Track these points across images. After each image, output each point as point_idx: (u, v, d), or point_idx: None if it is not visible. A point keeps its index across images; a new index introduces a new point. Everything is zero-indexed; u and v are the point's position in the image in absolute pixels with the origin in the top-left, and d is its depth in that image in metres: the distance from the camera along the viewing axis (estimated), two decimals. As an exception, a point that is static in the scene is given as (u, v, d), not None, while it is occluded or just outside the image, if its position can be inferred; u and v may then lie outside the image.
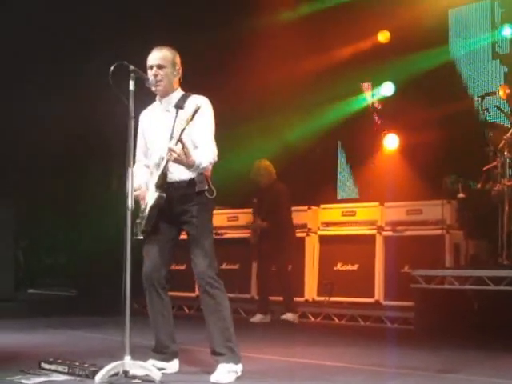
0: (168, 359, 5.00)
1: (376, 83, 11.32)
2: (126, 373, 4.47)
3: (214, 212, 10.29)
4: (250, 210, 9.71)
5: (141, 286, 4.94)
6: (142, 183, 4.90)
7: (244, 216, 10.11)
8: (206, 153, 4.78)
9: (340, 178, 11.74)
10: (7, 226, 11.91)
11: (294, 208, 9.22)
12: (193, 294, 9.28)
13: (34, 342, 6.77)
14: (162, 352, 5.00)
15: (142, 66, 4.88)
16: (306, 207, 9.63)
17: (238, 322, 8.85)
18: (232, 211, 10.35)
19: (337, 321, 9.08)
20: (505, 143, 7.83)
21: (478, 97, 8.68)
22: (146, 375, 4.51)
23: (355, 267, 9.16)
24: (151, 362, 4.87)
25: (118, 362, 4.47)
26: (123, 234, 4.57)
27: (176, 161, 4.64)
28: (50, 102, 10.86)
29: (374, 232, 9.11)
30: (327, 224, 9.60)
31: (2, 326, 7.82)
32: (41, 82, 10.95)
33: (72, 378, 4.60)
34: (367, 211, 9.36)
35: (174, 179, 4.85)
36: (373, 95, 11.43)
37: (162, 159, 4.76)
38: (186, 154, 4.62)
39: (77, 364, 4.74)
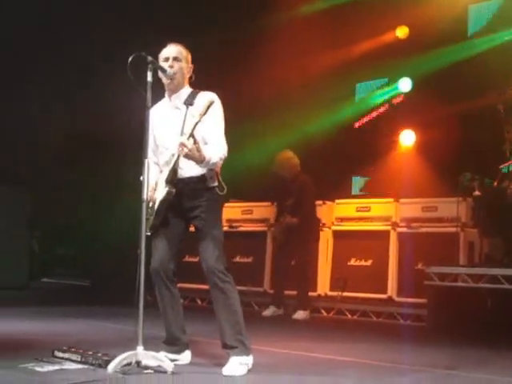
0: (179, 351, 5.02)
1: (394, 79, 11.28)
2: (138, 363, 4.48)
3: (228, 205, 10.43)
4: (265, 204, 9.69)
5: (153, 279, 4.96)
6: (153, 183, 4.89)
7: (258, 209, 10.11)
8: (216, 149, 4.80)
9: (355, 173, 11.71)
10: (22, 215, 12.00)
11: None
12: (206, 287, 9.14)
13: (48, 330, 6.80)
14: (174, 344, 5.02)
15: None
16: (320, 202, 9.61)
17: (250, 316, 8.86)
18: (246, 204, 10.35)
19: (349, 316, 9.08)
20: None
21: (496, 94, 8.63)
22: (159, 366, 4.53)
23: (369, 263, 9.14)
24: (163, 354, 4.89)
25: (131, 352, 4.49)
26: (137, 225, 4.59)
27: (187, 156, 4.66)
28: (67, 92, 10.90)
29: (389, 228, 9.09)
30: (341, 219, 9.58)
31: (16, 314, 7.89)
32: (57, 72, 10.97)
33: (85, 366, 4.62)
34: (382, 207, 9.34)
35: (184, 175, 4.86)
36: (390, 91, 11.39)
37: (173, 155, 4.78)
38: (197, 149, 4.63)
39: (90, 353, 4.76)
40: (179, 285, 5.10)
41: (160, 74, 4.88)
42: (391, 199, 9.33)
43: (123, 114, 9.17)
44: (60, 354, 4.86)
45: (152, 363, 4.54)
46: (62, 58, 10.90)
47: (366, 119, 11.55)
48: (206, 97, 4.80)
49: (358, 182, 11.69)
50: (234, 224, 10.23)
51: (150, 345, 4.61)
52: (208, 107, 4.64)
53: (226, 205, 10.03)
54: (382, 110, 11.47)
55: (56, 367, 4.60)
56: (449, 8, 10.09)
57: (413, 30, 10.93)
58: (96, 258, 12.78)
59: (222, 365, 4.73)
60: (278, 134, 10.95)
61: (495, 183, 8.22)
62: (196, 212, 4.87)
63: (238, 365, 4.68)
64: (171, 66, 4.90)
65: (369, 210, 9.42)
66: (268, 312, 8.94)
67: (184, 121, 4.83)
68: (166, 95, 5.06)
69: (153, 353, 4.58)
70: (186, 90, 5.01)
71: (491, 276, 7.47)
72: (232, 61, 11.06)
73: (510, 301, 7.32)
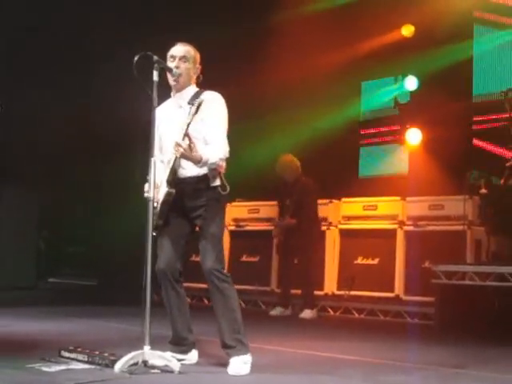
0: (186, 351, 5.02)
1: (399, 77, 11.25)
2: (145, 362, 4.48)
3: (235, 204, 10.41)
4: (272, 203, 9.69)
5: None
6: (158, 182, 4.88)
7: (265, 208, 10.10)
8: (215, 149, 4.80)
9: (361, 170, 11.69)
10: (30, 215, 12.03)
11: (315, 201, 9.19)
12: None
13: (55, 330, 6.81)
14: (180, 344, 5.02)
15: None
16: (327, 201, 9.59)
17: (257, 315, 8.89)
18: (253, 203, 10.35)
19: (356, 315, 9.07)
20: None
21: (502, 92, 8.62)
22: (166, 365, 4.53)
23: (376, 261, 9.13)
24: (169, 354, 4.88)
25: (138, 352, 4.49)
26: (143, 225, 4.60)
27: (183, 156, 4.68)
28: (76, 92, 10.91)
29: (396, 226, 9.08)
30: (348, 218, 9.57)
31: (23, 314, 7.90)
32: (67, 71, 10.99)
33: (92, 366, 4.62)
34: (388, 205, 9.32)
35: (186, 175, 4.86)
36: (396, 89, 11.36)
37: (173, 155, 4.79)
38: (191, 149, 4.63)
39: (96, 353, 4.76)
40: (186, 284, 5.10)
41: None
42: (398, 198, 9.31)
43: (131, 114, 9.17)
44: (67, 354, 4.86)
45: (159, 363, 4.54)
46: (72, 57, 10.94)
47: (372, 117, 11.52)
48: (205, 96, 4.80)
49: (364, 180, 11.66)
50: (241, 223, 10.24)
51: (156, 344, 4.61)
52: (198, 107, 4.67)
53: (233, 204, 10.12)
54: (387, 108, 11.43)
55: (63, 367, 4.60)
56: (454, 6, 10.06)
57: (418, 29, 10.89)
58: (103, 257, 12.80)
59: (228, 364, 4.72)
60: (284, 133, 10.94)
61: (502, 181, 8.21)
62: (198, 212, 4.87)
63: (242, 364, 4.69)
64: (177, 66, 4.90)
65: (375, 209, 9.40)
66: (275, 312, 8.94)
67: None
68: (172, 93, 5.06)
69: (160, 352, 4.58)
70: (192, 89, 5.00)
71: (498, 274, 7.44)
72: (237, 59, 11.06)
73: (517, 299, 7.31)
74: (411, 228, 8.97)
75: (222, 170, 4.91)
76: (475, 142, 10.15)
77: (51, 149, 12.19)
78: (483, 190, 8.39)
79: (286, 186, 9.10)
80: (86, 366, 4.64)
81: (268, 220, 9.96)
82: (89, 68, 11.01)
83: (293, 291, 9.02)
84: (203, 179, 4.85)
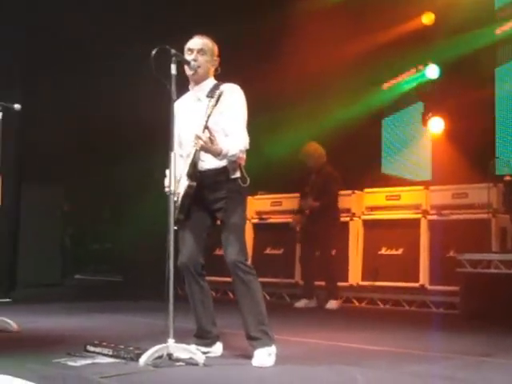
0: (211, 344, 5.03)
1: (421, 66, 11.18)
2: (170, 355, 4.50)
3: (258, 197, 10.38)
4: (294, 195, 9.67)
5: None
6: (178, 176, 4.87)
7: (288, 201, 10.08)
8: (235, 141, 4.79)
9: (384, 161, 11.64)
10: (56, 213, 12.10)
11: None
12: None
13: (80, 325, 6.86)
14: (205, 337, 5.04)
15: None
16: (350, 191, 9.56)
17: (282, 307, 8.89)
18: (276, 196, 10.34)
19: (381, 306, 9.04)
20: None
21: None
22: (190, 358, 4.54)
23: (400, 252, 9.09)
24: (194, 346, 4.90)
25: (162, 345, 4.51)
26: (166, 220, 4.61)
27: (202, 148, 4.67)
28: (100, 90, 10.93)
29: (419, 216, 9.03)
30: (371, 208, 9.53)
31: (49, 310, 7.98)
32: (90, 70, 11.02)
33: (117, 360, 4.65)
34: (412, 195, 9.28)
35: (206, 167, 4.86)
36: (418, 78, 11.30)
37: (193, 148, 4.78)
38: (212, 142, 4.63)
39: (121, 347, 4.79)
40: (210, 278, 5.10)
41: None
42: (421, 187, 9.27)
43: (151, 114, 9.18)
44: (92, 349, 4.90)
45: (183, 356, 4.55)
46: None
47: (393, 107, 11.47)
48: (224, 88, 4.79)
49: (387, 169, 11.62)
50: (264, 216, 10.23)
51: (181, 337, 4.62)
52: (218, 99, 4.66)
53: (255, 197, 10.12)
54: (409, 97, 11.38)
55: (88, 361, 4.63)
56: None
57: (439, 16, 10.82)
58: (128, 253, 12.85)
59: (252, 356, 4.72)
60: (305, 124, 10.91)
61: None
62: (219, 204, 4.87)
63: (267, 356, 4.67)
64: (195, 59, 4.89)
65: (399, 199, 9.36)
66: (300, 304, 8.94)
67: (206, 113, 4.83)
68: (190, 86, 5.05)
69: (184, 345, 4.60)
70: (210, 81, 4.99)
71: (524, 262, 7.39)
72: (256, 51, 11.03)
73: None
74: (435, 217, 8.92)
75: (242, 162, 4.90)
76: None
77: (76, 148, 12.25)
78: (507, 177, 8.32)
79: (310, 175, 9.06)
80: (111, 360, 4.67)
81: (291, 212, 9.94)
82: (111, 67, 11.03)
83: (317, 283, 9.01)
84: (223, 171, 4.84)
